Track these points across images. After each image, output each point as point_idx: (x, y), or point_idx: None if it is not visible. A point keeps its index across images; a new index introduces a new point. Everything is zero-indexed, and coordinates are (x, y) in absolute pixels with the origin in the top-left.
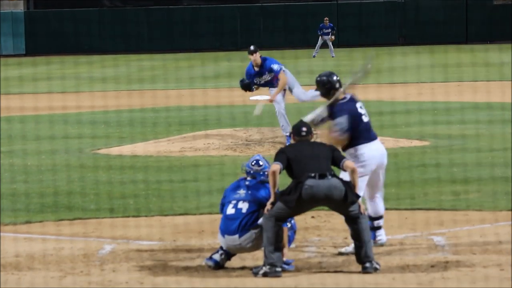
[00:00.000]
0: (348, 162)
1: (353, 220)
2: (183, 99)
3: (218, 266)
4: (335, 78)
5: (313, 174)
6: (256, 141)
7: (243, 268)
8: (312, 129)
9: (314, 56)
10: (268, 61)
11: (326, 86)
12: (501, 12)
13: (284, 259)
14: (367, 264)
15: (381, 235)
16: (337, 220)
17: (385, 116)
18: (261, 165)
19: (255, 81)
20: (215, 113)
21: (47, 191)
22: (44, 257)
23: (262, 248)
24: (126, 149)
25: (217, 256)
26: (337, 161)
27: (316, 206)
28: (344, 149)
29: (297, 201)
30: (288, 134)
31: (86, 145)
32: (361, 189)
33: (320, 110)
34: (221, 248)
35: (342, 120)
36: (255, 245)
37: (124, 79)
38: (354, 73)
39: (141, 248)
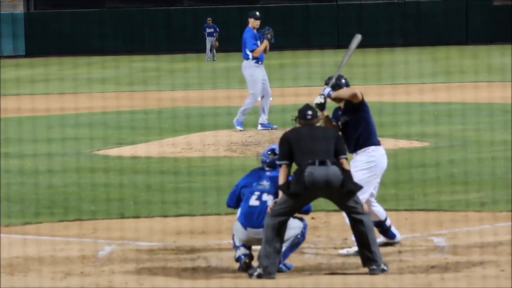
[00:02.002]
0: (344, 162)
1: (356, 221)
2: (182, 100)
3: (249, 257)
4: (343, 81)
5: (311, 162)
6: (255, 142)
7: (236, 269)
8: (318, 112)
9: (209, 60)
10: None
11: (336, 88)
12: (501, 13)
13: (286, 262)
14: (374, 266)
15: (396, 233)
16: (337, 221)
17: (385, 117)
18: (277, 154)
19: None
20: (214, 114)
21: (47, 193)
22: (43, 258)
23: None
24: (125, 151)
25: (242, 251)
26: (337, 152)
27: (317, 196)
28: (361, 147)
29: (299, 189)
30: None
31: (85, 146)
32: (369, 191)
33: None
34: (235, 246)
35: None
36: None
37: (123, 80)
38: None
39: (140, 249)
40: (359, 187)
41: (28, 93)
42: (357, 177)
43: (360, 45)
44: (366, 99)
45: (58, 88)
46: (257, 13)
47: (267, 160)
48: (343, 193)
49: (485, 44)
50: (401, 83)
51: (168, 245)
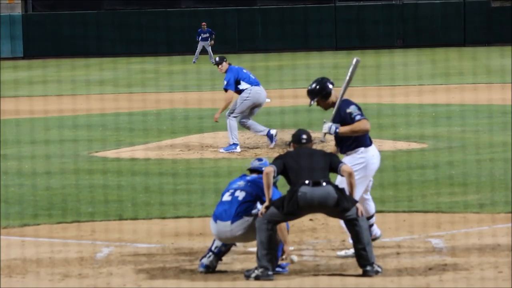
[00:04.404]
0: (345, 167)
1: (351, 223)
2: (180, 102)
3: (209, 269)
4: (330, 86)
5: (307, 182)
6: (253, 144)
7: (235, 271)
8: (312, 137)
9: (194, 62)
10: (227, 74)
11: (323, 92)
12: (499, 14)
13: (280, 262)
14: (368, 268)
15: (375, 230)
16: (335, 222)
17: (383, 119)
18: (261, 160)
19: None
20: (212, 116)
21: (45, 194)
22: (41, 260)
23: (255, 251)
24: (124, 152)
25: (205, 260)
26: (334, 166)
27: (311, 213)
28: (351, 149)
29: (292, 208)
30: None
31: (83, 148)
32: (360, 192)
33: (328, 125)
34: (210, 250)
35: (353, 107)
36: (245, 235)
37: (122, 82)
38: (346, 75)
39: (138, 251)
40: (354, 202)
41: (26, 95)
42: None
43: (359, 47)
44: (365, 101)
45: (56, 90)
46: (217, 58)
47: (251, 166)
48: (339, 211)
49: (483, 46)
50: (400, 84)
51: (167, 247)
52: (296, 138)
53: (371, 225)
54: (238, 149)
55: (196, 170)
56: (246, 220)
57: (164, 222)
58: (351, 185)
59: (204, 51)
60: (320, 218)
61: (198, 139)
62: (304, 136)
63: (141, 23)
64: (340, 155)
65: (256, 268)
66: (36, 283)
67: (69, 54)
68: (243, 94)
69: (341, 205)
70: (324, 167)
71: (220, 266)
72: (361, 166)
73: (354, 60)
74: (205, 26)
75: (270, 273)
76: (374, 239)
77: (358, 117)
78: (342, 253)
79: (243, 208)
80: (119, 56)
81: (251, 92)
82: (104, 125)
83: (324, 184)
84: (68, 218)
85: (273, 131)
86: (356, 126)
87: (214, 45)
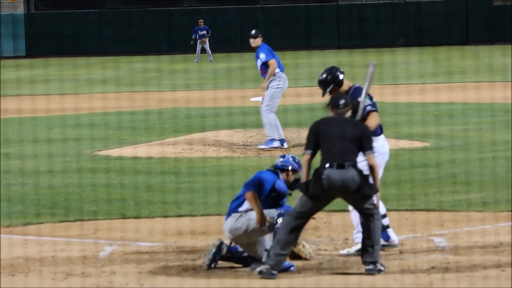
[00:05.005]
0: (371, 157)
1: (366, 219)
2: (182, 101)
3: (218, 250)
4: (341, 76)
5: (331, 164)
6: (255, 142)
7: (238, 269)
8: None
9: (196, 62)
10: (260, 48)
11: (337, 80)
12: (501, 13)
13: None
14: (371, 266)
15: (393, 236)
16: (338, 221)
17: (386, 117)
18: (284, 157)
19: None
20: (215, 115)
21: (47, 193)
22: (44, 259)
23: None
24: (126, 151)
25: (223, 243)
26: (363, 149)
27: (335, 197)
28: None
29: (317, 191)
30: (271, 146)
31: (86, 146)
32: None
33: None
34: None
35: (363, 98)
36: (237, 235)
37: (124, 81)
38: (366, 80)
39: (141, 250)
40: (375, 191)
41: (29, 94)
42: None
43: (362, 46)
44: None
45: (58, 88)
46: (253, 31)
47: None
48: (359, 196)
49: (486, 45)
50: (402, 83)
51: (169, 245)
52: (334, 102)
53: (387, 226)
54: (286, 145)
55: (198, 168)
56: (233, 217)
57: (166, 221)
58: (373, 178)
59: (203, 50)
60: (323, 216)
61: (201, 137)
62: (342, 101)
63: (143, 22)
64: None
65: (263, 264)
66: (39, 282)
67: (71, 53)
68: (273, 83)
69: (362, 191)
70: (353, 147)
71: (223, 264)
72: None
73: (372, 66)
74: (202, 23)
75: (274, 272)
76: (394, 246)
77: (369, 108)
78: (345, 251)
79: (233, 206)
80: (121, 55)
81: (281, 78)
82: (107, 124)
83: (348, 167)
84: (71, 217)
85: (285, 145)
86: (366, 123)
87: (215, 44)
